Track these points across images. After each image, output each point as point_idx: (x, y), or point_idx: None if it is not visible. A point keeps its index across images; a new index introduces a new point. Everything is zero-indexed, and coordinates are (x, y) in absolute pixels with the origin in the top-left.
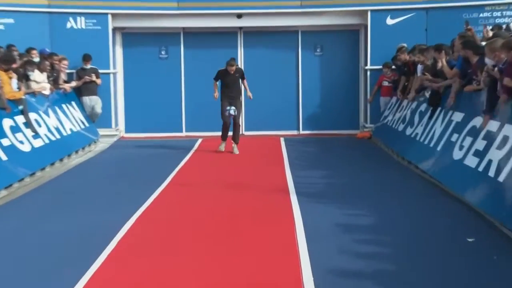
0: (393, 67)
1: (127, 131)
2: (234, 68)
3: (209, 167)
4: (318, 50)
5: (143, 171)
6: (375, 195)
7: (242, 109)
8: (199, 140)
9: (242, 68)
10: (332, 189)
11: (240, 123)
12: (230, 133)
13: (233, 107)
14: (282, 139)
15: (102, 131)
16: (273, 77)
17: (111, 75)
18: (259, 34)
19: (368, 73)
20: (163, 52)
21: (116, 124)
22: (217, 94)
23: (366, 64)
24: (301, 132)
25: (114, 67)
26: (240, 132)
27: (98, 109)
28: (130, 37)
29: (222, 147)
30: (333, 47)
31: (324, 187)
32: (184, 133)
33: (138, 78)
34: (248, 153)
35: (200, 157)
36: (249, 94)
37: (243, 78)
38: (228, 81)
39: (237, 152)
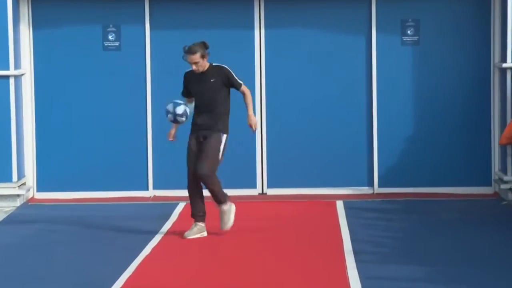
0: None
1: (40, 188)
2: (196, 58)
3: (196, 262)
4: (409, 33)
5: (70, 270)
6: None
7: (220, 151)
8: (180, 206)
9: (258, 65)
10: None
11: (209, 173)
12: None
13: (185, 106)
14: (340, 204)
15: None
16: (321, 83)
17: (11, 81)
18: (293, 2)
19: (509, 76)
20: (110, 37)
21: (20, 175)
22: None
23: (504, 60)
24: (378, 190)
25: (17, 66)
26: (262, 191)
27: None
28: (48, 9)
29: (188, 232)
30: (439, 28)
31: None
32: (150, 192)
33: (63, 86)
34: (274, 233)
35: (180, 242)
36: (251, 119)
37: (233, 86)
38: (196, 91)
39: (226, 226)
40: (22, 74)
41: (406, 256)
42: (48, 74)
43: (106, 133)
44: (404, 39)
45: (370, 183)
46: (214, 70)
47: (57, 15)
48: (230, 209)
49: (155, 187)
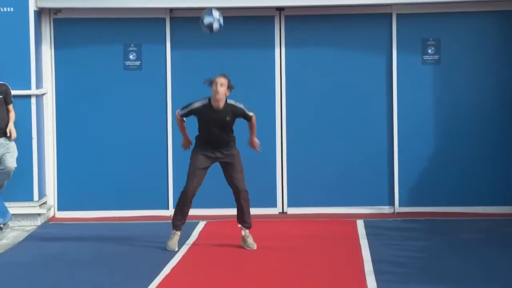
0: None
1: (61, 207)
2: (224, 81)
3: (217, 281)
4: (430, 52)
5: None
6: None
7: (243, 171)
8: (200, 225)
9: (280, 86)
10: None
11: (247, 190)
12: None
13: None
14: (361, 224)
15: (14, 207)
16: (341, 102)
17: (33, 100)
18: (314, 21)
19: None
20: (131, 56)
21: (41, 194)
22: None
23: None
24: (398, 209)
25: (39, 85)
26: (282, 210)
27: (11, 163)
28: (69, 28)
29: (172, 243)
30: (460, 47)
31: None
32: (171, 211)
33: (84, 105)
34: (294, 252)
35: (201, 261)
36: (254, 140)
37: (246, 119)
38: (210, 125)
39: (253, 246)
40: (44, 94)
41: (427, 276)
42: (69, 94)
43: (127, 152)
44: (425, 58)
45: (391, 202)
46: (229, 108)
47: (78, 35)
48: (249, 234)
49: (176, 206)
